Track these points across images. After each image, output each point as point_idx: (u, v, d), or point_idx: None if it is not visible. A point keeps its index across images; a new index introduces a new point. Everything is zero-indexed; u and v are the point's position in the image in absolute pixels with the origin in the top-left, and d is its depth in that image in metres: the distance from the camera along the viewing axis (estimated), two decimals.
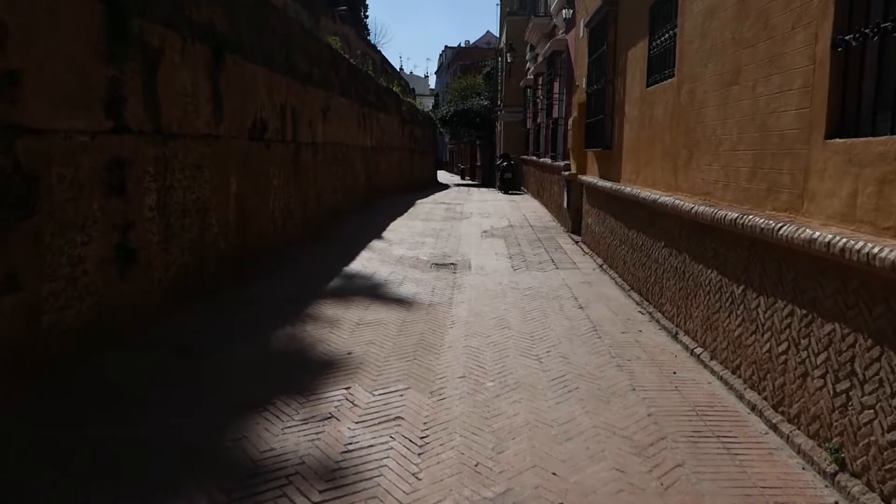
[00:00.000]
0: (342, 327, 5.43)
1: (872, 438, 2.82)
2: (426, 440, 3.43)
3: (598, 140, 8.81)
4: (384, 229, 11.84)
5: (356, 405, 3.85)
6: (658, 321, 5.77)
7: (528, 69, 21.36)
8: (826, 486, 3.03)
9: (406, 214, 14.72)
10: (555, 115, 15.30)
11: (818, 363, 3.28)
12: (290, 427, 3.53)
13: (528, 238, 11.20)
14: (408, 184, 22.53)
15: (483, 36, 60.42)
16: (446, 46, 60.82)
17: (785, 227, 3.45)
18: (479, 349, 4.96)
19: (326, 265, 8.13)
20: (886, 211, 2.81)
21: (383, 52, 30.20)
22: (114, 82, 4.64)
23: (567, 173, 11.44)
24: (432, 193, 22.72)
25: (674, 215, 5.39)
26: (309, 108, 10.20)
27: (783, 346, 3.64)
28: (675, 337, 5.29)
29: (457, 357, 4.76)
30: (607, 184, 8.06)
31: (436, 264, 8.56)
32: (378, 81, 17.88)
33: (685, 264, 5.26)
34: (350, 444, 3.36)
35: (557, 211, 13.64)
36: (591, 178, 9.34)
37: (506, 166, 23.82)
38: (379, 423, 3.62)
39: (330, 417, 3.67)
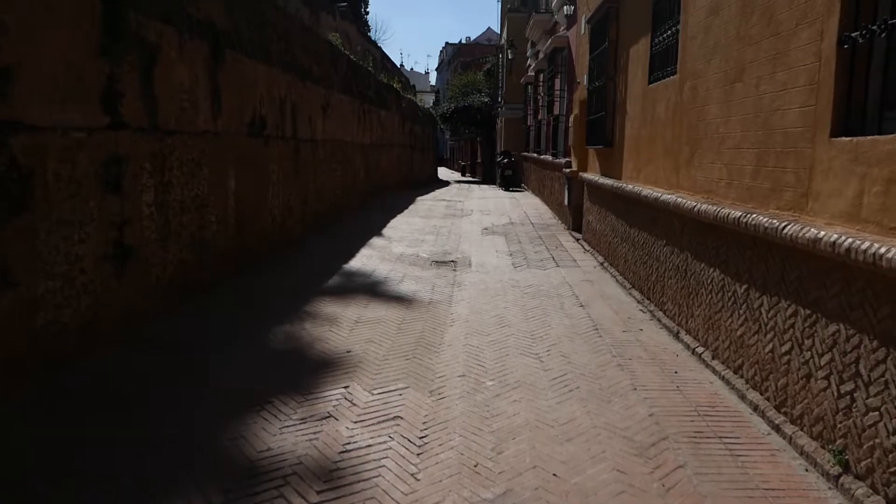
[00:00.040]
0: (341, 325, 5.40)
1: (877, 441, 2.78)
2: (425, 440, 3.39)
3: (599, 137, 8.77)
4: (384, 226, 11.80)
5: (355, 404, 3.81)
6: (659, 320, 5.73)
7: (529, 66, 21.29)
8: (829, 489, 3.00)
9: (406, 211, 14.68)
10: (556, 112, 15.25)
11: (822, 364, 3.24)
12: (288, 426, 3.49)
13: (528, 235, 11.16)
14: (408, 181, 22.48)
15: (484, 32, 60.33)
16: (447, 43, 60.75)
17: (789, 227, 3.41)
18: (479, 348, 4.93)
19: (326, 262, 8.09)
20: (893, 211, 2.77)
21: (384, 49, 30.13)
22: (110, 78, 4.59)
23: (568, 170, 11.39)
24: (433, 190, 22.67)
25: (676, 213, 5.35)
26: (309, 105, 10.15)
27: (786, 347, 3.60)
28: (676, 336, 5.25)
29: (456, 356, 4.73)
30: (608, 181, 8.02)
31: (436, 262, 8.53)
32: (378, 78, 17.82)
33: (687, 263, 5.23)
34: (348, 443, 3.33)
35: (558, 208, 13.60)
36: (592, 176, 9.30)
37: (506, 163, 23.76)
38: (378, 422, 3.59)
39: (328, 417, 3.63)
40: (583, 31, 10.43)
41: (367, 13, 29.32)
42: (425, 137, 28.37)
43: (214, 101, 6.39)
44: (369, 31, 28.06)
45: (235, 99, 6.97)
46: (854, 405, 2.97)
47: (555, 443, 3.38)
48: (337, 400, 3.87)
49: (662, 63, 6.18)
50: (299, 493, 2.86)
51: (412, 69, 73.82)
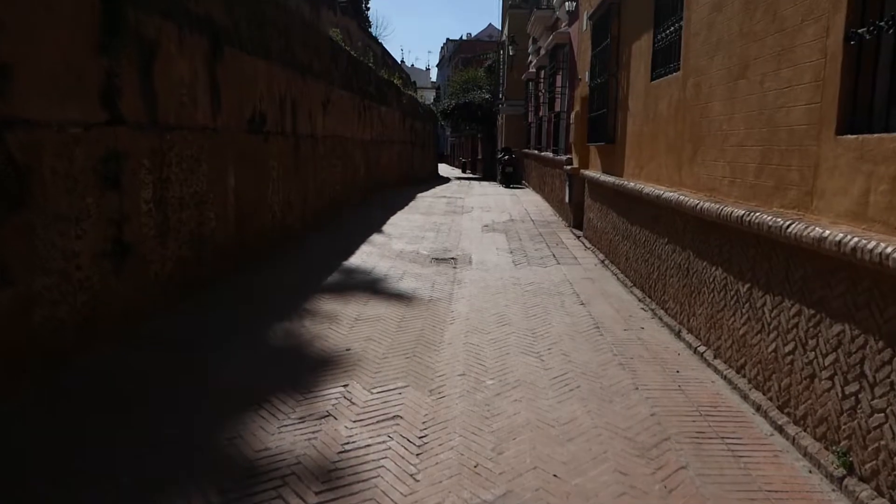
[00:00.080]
0: (341, 323, 5.36)
1: (882, 442, 2.75)
2: (425, 440, 3.36)
3: (600, 134, 8.72)
4: (384, 223, 11.76)
5: (354, 403, 3.78)
6: (661, 318, 5.70)
7: (531, 62, 21.23)
8: (833, 491, 2.97)
9: (406, 208, 14.64)
10: (557, 108, 15.20)
11: (826, 364, 3.21)
12: (286, 425, 3.46)
13: (529, 233, 11.12)
14: (408, 177, 22.43)
15: (485, 29, 60.22)
16: (448, 39, 60.64)
17: (793, 225, 3.37)
18: (480, 346, 4.89)
19: (325, 259, 8.06)
20: None
21: (384, 45, 30.07)
22: (109, 73, 4.55)
23: (569, 167, 11.34)
24: (433, 187, 22.62)
25: (678, 211, 5.31)
26: (309, 101, 10.10)
27: (790, 346, 3.57)
28: (678, 335, 5.22)
29: (456, 354, 4.70)
30: (610, 178, 7.98)
31: (436, 259, 8.49)
32: (379, 74, 17.76)
33: (689, 261, 5.19)
34: (347, 443, 3.29)
35: (559, 205, 13.55)
36: (593, 173, 9.26)
37: (507, 160, 23.71)
38: (377, 421, 3.56)
39: (327, 416, 3.60)
40: (584, 28, 10.37)
41: (368, 9, 29.22)
42: (426, 134, 28.31)
43: (214, 97, 6.35)
44: (370, 26, 27.97)
45: (235, 95, 6.93)
46: (859, 406, 2.93)
47: (555, 443, 3.35)
48: (336, 399, 3.84)
49: (665, 60, 6.13)
50: (297, 493, 2.83)
51: (413, 65, 73.72)
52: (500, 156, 25.56)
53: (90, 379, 3.97)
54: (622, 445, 3.34)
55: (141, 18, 4.99)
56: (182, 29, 5.65)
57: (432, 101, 42.11)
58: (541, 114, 18.71)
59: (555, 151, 15.09)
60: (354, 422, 3.54)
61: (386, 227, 11.25)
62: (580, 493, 2.90)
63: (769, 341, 3.80)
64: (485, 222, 12.42)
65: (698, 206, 4.67)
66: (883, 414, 2.76)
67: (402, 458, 3.16)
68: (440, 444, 3.31)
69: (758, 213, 3.80)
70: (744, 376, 4.12)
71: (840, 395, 3.08)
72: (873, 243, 2.72)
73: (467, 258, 8.59)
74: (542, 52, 17.29)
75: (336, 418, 3.57)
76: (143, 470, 2.98)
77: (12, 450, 3.12)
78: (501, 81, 28.44)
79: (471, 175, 36.75)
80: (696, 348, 4.81)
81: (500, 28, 33.82)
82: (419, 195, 18.33)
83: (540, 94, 18.92)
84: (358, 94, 14.15)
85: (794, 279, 3.55)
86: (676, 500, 2.86)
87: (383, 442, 3.31)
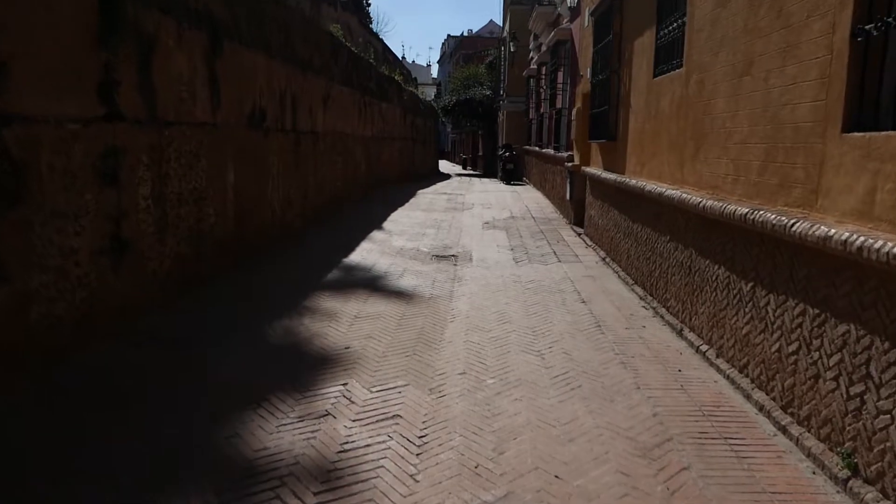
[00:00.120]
0: (340, 321, 5.33)
1: (888, 444, 2.72)
2: (425, 440, 3.33)
3: (602, 131, 8.68)
4: (384, 220, 11.72)
5: (353, 402, 3.75)
6: (662, 317, 5.66)
7: (532, 59, 21.16)
8: (838, 492, 2.94)
9: (407, 205, 14.60)
10: (558, 105, 15.14)
11: (831, 364, 3.17)
12: (285, 425, 3.43)
13: (530, 230, 11.08)
14: (409, 174, 22.38)
15: (486, 25, 60.05)
16: (449, 35, 60.51)
17: (798, 224, 3.33)
18: (480, 344, 4.86)
19: (325, 256, 8.02)
20: None
21: (385, 41, 29.95)
22: (107, 68, 4.50)
23: (570, 164, 11.30)
24: (434, 183, 22.58)
25: (680, 209, 5.27)
26: (309, 97, 10.05)
27: (794, 346, 3.53)
28: (679, 333, 5.19)
29: (457, 353, 4.66)
30: (611, 176, 7.94)
31: (436, 256, 8.45)
32: (380, 70, 17.69)
33: (691, 259, 5.15)
34: (346, 443, 3.26)
35: (560, 202, 13.51)
36: (594, 170, 9.21)
37: (508, 157, 23.65)
38: (376, 421, 3.52)
39: (326, 415, 3.57)
40: (586, 24, 10.32)
41: (369, 5, 29.12)
42: (427, 130, 28.24)
43: (213, 93, 6.31)
44: (371, 22, 27.87)
45: (234, 90, 6.88)
46: (864, 407, 2.90)
47: (557, 443, 3.32)
48: (335, 397, 3.80)
49: (668, 56, 6.09)
50: (296, 494, 2.80)
51: (414, 61, 73.54)
52: (500, 152, 25.50)
53: (88, 376, 3.94)
54: (624, 446, 3.31)
55: (139, 13, 4.94)
56: (181, 23, 5.61)
57: (433, 97, 42.03)
58: (542, 110, 18.65)
59: (556, 148, 15.03)
60: (354, 421, 3.51)
61: (386, 224, 11.21)
62: (582, 494, 2.87)
63: (773, 341, 3.77)
64: (485, 219, 12.38)
65: (701, 204, 4.63)
66: (889, 415, 2.72)
67: (402, 458, 3.13)
68: (440, 444, 3.28)
69: (762, 212, 3.76)
70: (746, 376, 4.08)
71: (845, 395, 3.04)
72: (880, 242, 2.69)
73: (468, 255, 8.56)
74: (544, 48, 17.23)
75: (335, 417, 3.54)
76: (142, 469, 2.95)
77: (10, 448, 3.09)
78: (502, 78, 28.36)
79: (471, 172, 36.69)
80: (698, 347, 4.78)
81: (501, 24, 33.71)
82: (420, 192, 18.29)
83: (541, 90, 18.86)
84: (359, 90, 14.10)
85: (798, 278, 3.51)
86: (679, 502, 2.83)
87: (383, 442, 3.28)
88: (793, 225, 3.37)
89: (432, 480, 2.95)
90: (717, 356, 4.50)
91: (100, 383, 3.86)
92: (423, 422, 3.53)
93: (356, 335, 4.97)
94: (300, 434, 3.33)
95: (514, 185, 22.28)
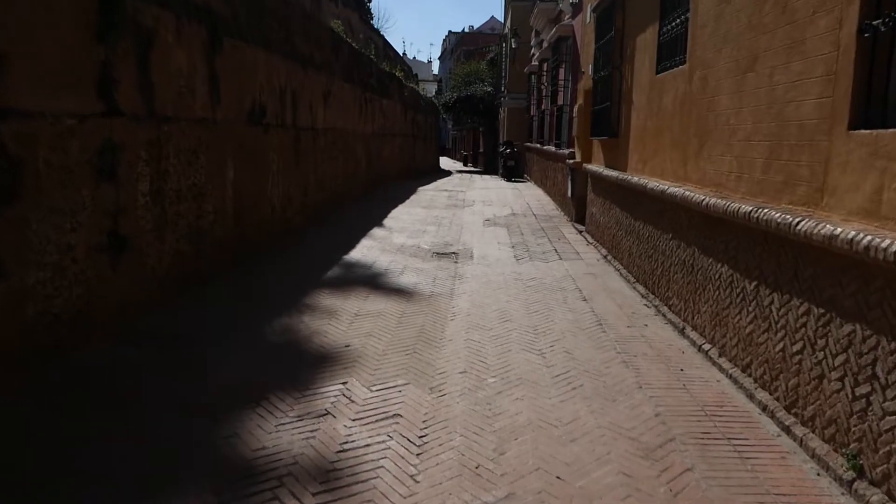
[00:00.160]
0: (340, 318, 5.30)
1: (894, 446, 2.68)
2: (425, 439, 3.29)
3: (604, 128, 8.63)
4: (385, 217, 11.69)
5: (353, 401, 3.71)
6: (664, 315, 5.62)
7: (533, 55, 21.08)
8: (843, 494, 2.90)
9: (408, 202, 14.56)
10: (559, 102, 15.08)
11: (836, 365, 3.14)
12: (284, 424, 3.40)
13: (531, 227, 11.04)
14: (410, 170, 22.33)
15: (487, 21, 59.94)
16: (450, 31, 60.38)
17: (803, 222, 3.29)
18: (481, 343, 4.82)
19: (325, 253, 7.99)
20: None
21: (386, 37, 29.84)
22: (105, 64, 4.46)
23: (571, 161, 11.26)
24: (434, 180, 22.53)
25: (683, 207, 5.23)
26: (309, 93, 10.00)
27: (798, 346, 3.49)
28: (682, 332, 5.15)
29: (457, 351, 4.63)
30: (613, 173, 7.89)
31: (437, 253, 8.42)
32: (381, 66, 17.63)
33: (694, 257, 5.11)
34: (346, 443, 3.23)
35: (561, 200, 13.47)
36: (596, 167, 9.17)
37: (509, 153, 23.59)
38: (376, 420, 3.49)
39: (326, 414, 3.53)
40: (588, 20, 10.26)
41: (370, 1, 29.00)
42: (427, 127, 28.18)
43: (213, 89, 6.26)
44: (372, 18, 27.73)
45: (234, 86, 6.84)
46: (870, 408, 2.86)
47: (558, 443, 3.28)
48: (335, 396, 3.77)
49: (670, 52, 6.04)
50: (294, 494, 2.76)
51: (414, 58, 73.44)
52: (501, 149, 25.43)
53: (86, 374, 3.91)
54: (626, 446, 3.28)
55: (138, 7, 4.90)
56: (180, 18, 5.56)
57: (434, 93, 41.93)
58: (543, 107, 18.59)
59: (557, 145, 14.98)
60: (353, 420, 3.47)
61: (387, 221, 11.17)
62: (584, 495, 2.83)
63: (776, 340, 3.73)
64: (486, 216, 12.34)
65: (704, 202, 4.59)
66: (895, 416, 2.68)
67: (402, 458, 3.10)
68: (441, 444, 3.25)
69: (766, 210, 3.72)
70: (750, 375, 4.05)
71: (850, 396, 3.01)
72: (887, 242, 2.65)
73: (469, 253, 8.52)
74: (545, 44, 17.16)
75: (335, 417, 3.51)
76: (140, 469, 2.92)
77: (8, 448, 3.06)
78: (503, 74, 28.28)
79: (472, 168, 36.63)
80: (700, 346, 4.74)
81: (502, 20, 33.62)
82: (420, 188, 18.24)
83: (542, 87, 18.79)
84: (359, 86, 14.04)
85: (803, 277, 3.47)
86: None
87: (383, 441, 3.25)
88: (798, 223, 3.33)
89: (432, 481, 2.92)
90: (720, 355, 4.46)
91: (98, 381, 3.83)
92: (424, 421, 3.50)
93: (356, 333, 4.93)
94: (299, 433, 3.29)
95: (515, 181, 22.23)
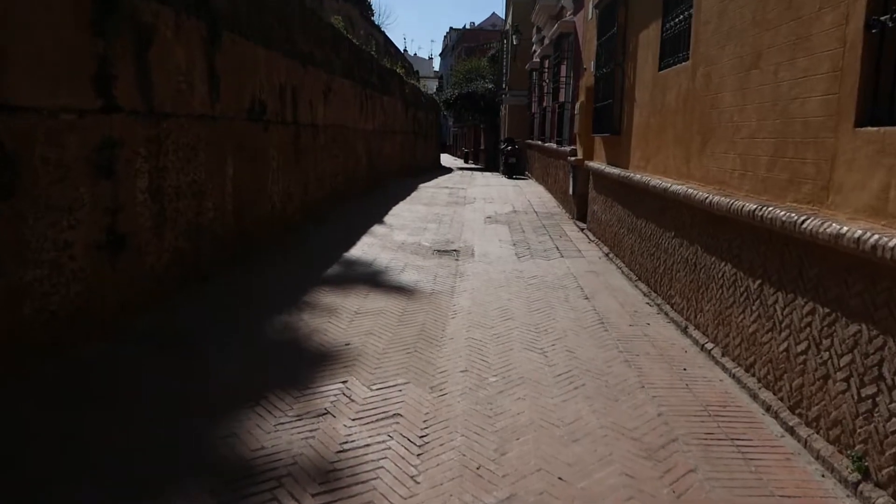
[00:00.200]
0: (340, 316, 5.26)
1: None
2: (426, 439, 3.26)
3: (606, 125, 8.58)
4: (386, 214, 11.65)
5: (353, 400, 3.68)
6: (667, 314, 5.59)
7: (535, 52, 21.02)
8: (848, 496, 2.87)
9: (408, 199, 14.51)
10: (561, 99, 15.02)
11: (841, 365, 3.10)
12: (283, 423, 3.36)
13: (532, 225, 11.00)
14: (411, 167, 22.28)
15: (488, 18, 59.84)
16: (451, 28, 60.29)
17: (809, 221, 3.25)
18: (482, 341, 4.79)
19: (326, 251, 7.95)
20: None
21: (387, 34, 29.78)
22: (103, 59, 4.42)
23: (573, 159, 11.21)
24: (435, 177, 22.48)
25: (686, 204, 5.19)
26: (310, 90, 9.96)
27: (802, 346, 3.46)
28: (684, 331, 5.11)
29: (458, 350, 4.59)
30: (615, 170, 7.85)
31: (438, 251, 8.38)
32: (381, 63, 17.57)
33: (697, 256, 5.07)
34: (346, 442, 3.19)
35: (562, 197, 13.42)
36: (598, 165, 9.12)
37: (510, 151, 23.54)
38: (377, 420, 3.46)
39: (325, 413, 3.50)
40: (590, 16, 10.20)
41: None
42: (428, 124, 28.11)
43: (212, 85, 6.22)
44: (372, 14, 27.66)
45: (234, 82, 6.80)
46: (876, 410, 2.82)
47: (560, 444, 3.25)
48: (335, 395, 3.73)
49: (673, 49, 5.99)
50: (293, 495, 2.73)
51: (415, 54, 73.32)
52: (502, 146, 25.37)
53: (84, 372, 3.87)
54: (629, 447, 3.24)
55: (136, 2, 4.85)
56: (179, 13, 5.51)
57: (435, 90, 41.86)
58: (544, 104, 18.53)
59: (558, 142, 14.93)
60: (353, 420, 3.44)
61: (387, 218, 11.13)
62: (586, 497, 2.80)
63: (780, 340, 3.69)
64: (487, 214, 12.30)
65: (708, 200, 4.55)
66: None
67: (403, 458, 3.07)
68: (441, 444, 3.21)
69: (771, 208, 3.68)
70: (753, 375, 4.01)
71: (856, 397, 2.97)
72: (895, 241, 2.61)
73: (470, 250, 8.48)
74: (547, 41, 17.10)
75: (334, 416, 3.47)
76: (137, 470, 2.89)
77: (5, 446, 3.02)
78: (505, 71, 28.21)
79: (473, 165, 36.57)
80: (703, 345, 4.70)
81: (503, 17, 33.53)
82: (421, 185, 18.20)
83: (544, 84, 18.73)
84: (360, 83, 13.99)
85: (807, 276, 3.43)
86: None
87: (383, 441, 3.21)
88: (803, 222, 3.29)
89: (433, 482, 2.88)
90: (723, 355, 4.43)
91: (96, 380, 3.80)
92: (424, 421, 3.46)
93: (356, 331, 4.90)
94: (298, 433, 3.26)
95: (516, 179, 22.18)
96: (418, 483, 2.87)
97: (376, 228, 9.94)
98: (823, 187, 3.36)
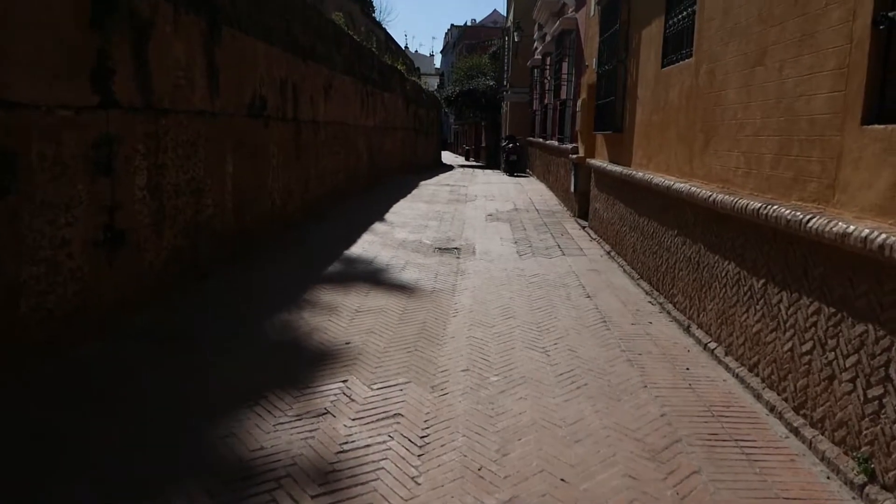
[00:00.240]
0: (341, 315, 5.23)
1: None
2: (426, 440, 3.23)
3: (608, 123, 8.54)
4: (387, 211, 11.61)
5: (353, 400, 3.64)
6: (669, 312, 5.55)
7: (536, 49, 20.95)
8: (854, 499, 2.83)
9: (409, 196, 14.47)
10: (563, 96, 14.97)
11: (847, 366, 3.06)
12: (282, 423, 3.33)
13: (533, 222, 10.96)
14: (412, 165, 22.24)
15: (490, 14, 59.72)
16: (452, 25, 60.15)
17: (814, 220, 3.21)
18: (484, 340, 4.75)
19: (326, 248, 7.91)
20: None
21: (388, 30, 29.69)
22: (101, 54, 4.38)
23: (575, 156, 11.16)
24: (436, 175, 22.43)
25: (689, 203, 5.14)
26: (310, 86, 9.91)
27: (807, 346, 3.42)
28: (687, 330, 5.07)
29: (460, 349, 4.56)
30: (617, 168, 7.80)
31: (439, 249, 8.34)
32: (382, 59, 17.51)
33: (700, 254, 5.03)
34: (346, 443, 3.16)
35: (564, 195, 13.38)
36: (599, 162, 9.08)
37: (511, 148, 23.48)
38: (377, 420, 3.42)
39: (325, 413, 3.46)
40: (592, 13, 10.15)
41: None
42: (429, 121, 28.06)
43: (212, 80, 6.18)
44: (373, 11, 27.59)
45: (234, 78, 6.75)
46: (883, 411, 2.79)
47: (562, 444, 3.21)
48: (335, 395, 3.70)
49: (677, 46, 5.95)
50: (292, 497, 2.70)
51: (416, 51, 73.21)
52: (504, 144, 25.32)
53: (82, 371, 3.84)
54: (632, 447, 3.21)
55: None
56: (178, 8, 5.47)
57: (436, 87, 41.80)
58: (546, 101, 18.48)
59: (560, 140, 14.88)
60: (354, 420, 3.40)
61: (388, 216, 11.10)
62: (589, 499, 2.76)
63: (785, 340, 3.66)
64: (489, 211, 12.26)
65: (711, 198, 4.51)
66: None
67: (403, 459, 3.03)
68: (442, 445, 3.18)
69: (775, 207, 3.64)
70: (757, 375, 3.97)
71: (862, 398, 2.93)
72: None
73: (471, 248, 8.44)
74: (548, 38, 17.04)
75: (334, 416, 3.44)
76: (136, 469, 2.86)
77: (2, 446, 2.99)
78: (506, 68, 28.14)
79: (474, 163, 36.51)
80: (706, 344, 4.66)
81: (505, 14, 33.44)
82: (422, 183, 18.15)
83: (545, 81, 18.67)
84: (361, 79, 13.94)
85: (812, 276, 3.39)
86: None
87: (383, 442, 3.18)
88: (808, 221, 3.25)
89: (434, 483, 2.85)
90: (726, 354, 4.39)
91: (94, 379, 3.77)
92: (425, 421, 3.43)
93: (357, 330, 4.87)
94: (298, 433, 3.23)
95: (517, 176, 22.12)
96: (419, 484, 2.83)
97: (377, 226, 9.90)
98: (829, 185, 3.32)
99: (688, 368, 4.31)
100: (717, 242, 4.66)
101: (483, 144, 36.98)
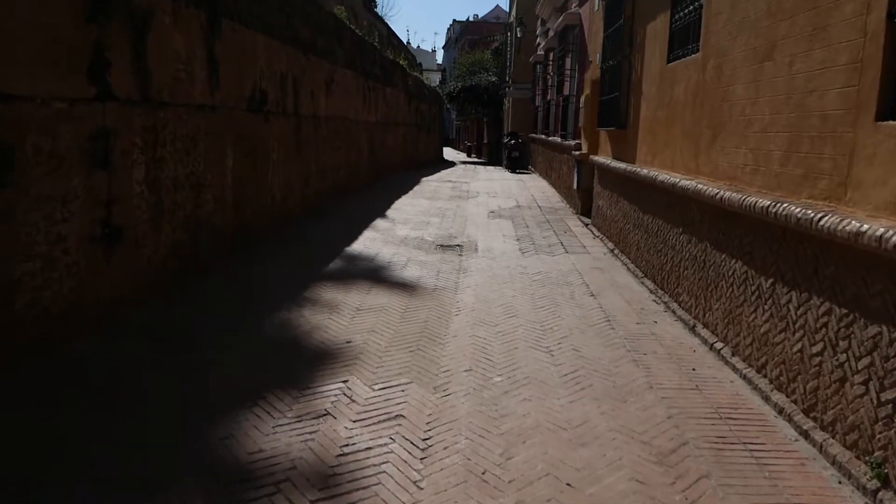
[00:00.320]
0: (341, 313, 5.15)
1: None
2: (429, 442, 3.16)
3: (611, 119, 8.45)
4: (388, 208, 11.53)
5: (354, 401, 3.58)
6: (674, 312, 5.47)
7: (539, 44, 20.82)
8: None
9: (411, 192, 14.39)
10: (566, 92, 14.87)
11: (859, 368, 2.99)
12: (282, 425, 3.26)
13: (536, 219, 10.88)
14: (413, 161, 22.14)
15: (492, 10, 59.52)
16: (454, 20, 59.95)
17: (826, 218, 3.13)
18: (486, 339, 4.68)
19: (327, 245, 7.84)
20: None
21: (390, 25, 29.58)
22: (98, 45, 4.29)
23: (578, 153, 11.08)
24: (438, 171, 22.34)
25: (695, 200, 5.07)
26: (311, 80, 9.82)
27: (818, 347, 3.34)
28: (692, 329, 5.00)
29: (462, 348, 4.49)
30: (621, 165, 7.72)
31: (441, 246, 8.27)
32: (384, 54, 17.41)
33: (706, 253, 4.95)
34: (346, 445, 3.09)
35: (567, 192, 13.29)
36: (603, 159, 9.00)
37: (513, 144, 23.38)
38: (378, 421, 3.35)
39: (325, 415, 3.40)
40: (596, 8, 10.05)
41: None
42: (431, 117, 27.95)
43: (211, 73, 6.09)
44: (375, 6, 27.48)
45: (234, 71, 6.67)
46: None
47: (568, 447, 3.14)
48: (335, 395, 3.63)
49: (683, 41, 5.86)
50: (292, 502, 2.63)
51: (419, 47, 73.04)
52: (506, 140, 25.21)
53: (79, 369, 3.78)
54: (639, 451, 3.14)
55: None
56: (177, 0, 5.38)
57: (438, 83, 41.66)
58: (549, 97, 18.37)
59: (563, 136, 14.79)
60: (354, 421, 3.33)
61: (390, 212, 11.02)
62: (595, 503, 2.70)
63: (794, 341, 3.58)
64: (491, 208, 12.18)
65: (718, 196, 4.43)
66: None
67: (405, 462, 2.96)
68: (445, 448, 3.11)
69: (785, 205, 3.56)
70: (765, 376, 3.90)
71: (875, 401, 2.86)
72: None
73: (473, 245, 8.37)
74: (551, 33, 16.92)
75: (335, 417, 3.37)
76: (135, 469, 2.80)
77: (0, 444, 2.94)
78: (508, 64, 28.00)
79: (476, 159, 36.40)
80: (712, 345, 4.59)
81: (507, 9, 33.30)
82: (424, 179, 18.07)
83: (548, 77, 18.56)
84: (362, 74, 13.84)
85: (823, 275, 3.32)
86: None
87: (385, 444, 3.11)
88: (820, 219, 3.18)
89: (437, 488, 2.78)
90: (733, 355, 4.32)
91: (91, 377, 3.70)
92: (428, 423, 3.36)
93: (358, 328, 4.80)
94: (298, 435, 3.16)
95: (519, 173, 22.03)
96: (422, 489, 2.76)
97: (378, 222, 9.82)
98: (841, 183, 3.24)
99: (694, 369, 4.24)
100: (724, 240, 4.59)
101: (485, 141, 36.85)
